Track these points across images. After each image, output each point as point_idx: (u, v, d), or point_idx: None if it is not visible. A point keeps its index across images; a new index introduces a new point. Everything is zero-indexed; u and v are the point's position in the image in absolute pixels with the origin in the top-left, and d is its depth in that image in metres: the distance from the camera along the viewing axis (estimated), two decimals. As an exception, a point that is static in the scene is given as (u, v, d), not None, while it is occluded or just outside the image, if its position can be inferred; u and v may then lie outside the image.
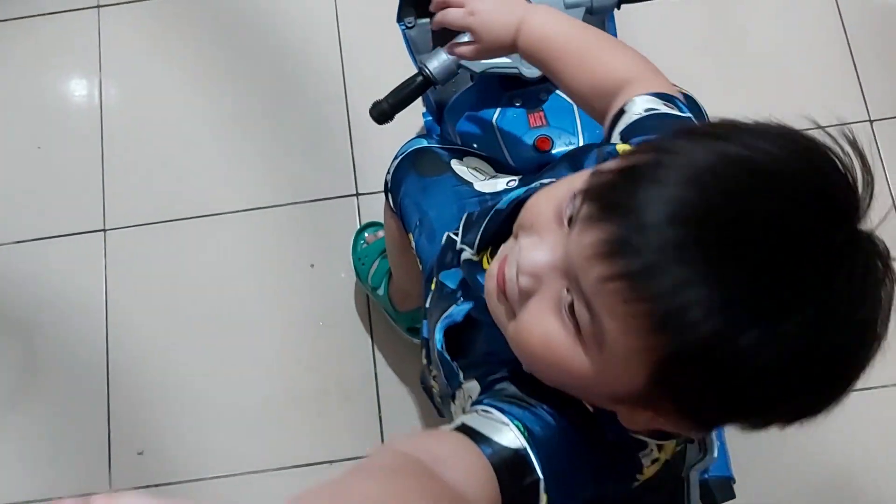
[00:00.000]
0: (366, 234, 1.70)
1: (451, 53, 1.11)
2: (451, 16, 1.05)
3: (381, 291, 1.62)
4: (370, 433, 1.64)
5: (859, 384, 0.62)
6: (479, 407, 0.71)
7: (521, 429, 0.68)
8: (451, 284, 0.91)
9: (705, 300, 0.57)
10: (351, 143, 1.83)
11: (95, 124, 1.87)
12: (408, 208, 1.19)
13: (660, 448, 0.75)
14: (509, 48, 1.02)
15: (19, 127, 1.88)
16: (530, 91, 1.30)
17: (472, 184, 1.10)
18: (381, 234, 1.68)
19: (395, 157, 1.29)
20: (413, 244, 1.15)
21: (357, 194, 1.79)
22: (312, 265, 1.75)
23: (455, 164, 1.18)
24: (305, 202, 1.80)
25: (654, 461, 0.75)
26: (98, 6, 1.95)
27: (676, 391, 0.62)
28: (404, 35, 1.38)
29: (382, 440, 1.64)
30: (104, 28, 1.93)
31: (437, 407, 1.03)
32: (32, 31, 1.94)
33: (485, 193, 1.10)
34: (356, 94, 1.86)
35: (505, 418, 0.69)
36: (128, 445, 1.66)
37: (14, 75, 1.92)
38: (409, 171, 1.23)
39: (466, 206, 1.06)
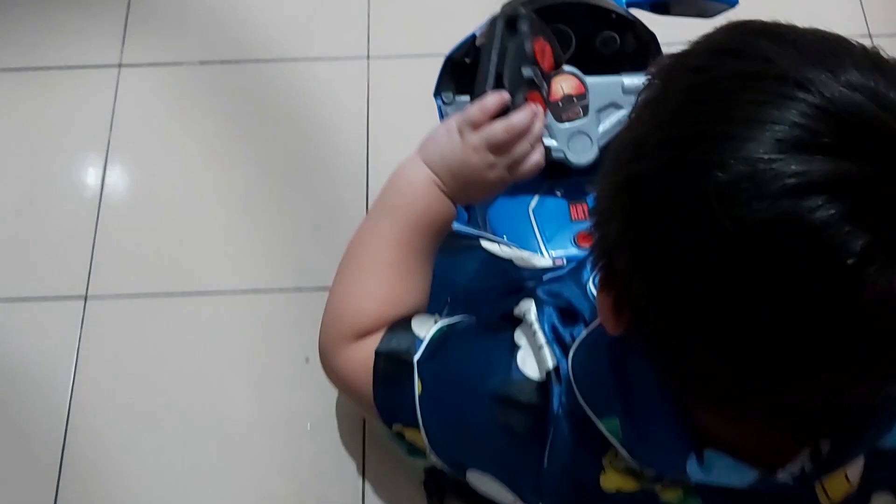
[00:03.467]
0: None
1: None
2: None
3: None
4: (349, 558, 1.43)
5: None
6: None
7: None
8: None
9: None
10: (366, 233, 1.68)
11: (96, 185, 1.74)
12: (431, 290, 1.03)
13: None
14: None
15: (15, 178, 1.75)
16: (574, 181, 1.16)
17: (510, 261, 0.94)
18: None
19: None
20: None
21: (366, 287, 1.63)
22: (307, 359, 1.57)
23: (485, 243, 1.03)
24: (309, 289, 1.64)
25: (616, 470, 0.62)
26: (120, 65, 1.85)
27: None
28: (440, 111, 1.27)
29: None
30: (122, 87, 1.83)
31: None
32: (47, 83, 1.84)
33: (537, 268, 0.94)
34: (378, 182, 1.72)
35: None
36: (70, 542, 1.44)
37: (19, 125, 1.81)
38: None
39: (509, 276, 0.90)
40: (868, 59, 0.48)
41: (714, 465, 0.57)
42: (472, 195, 0.85)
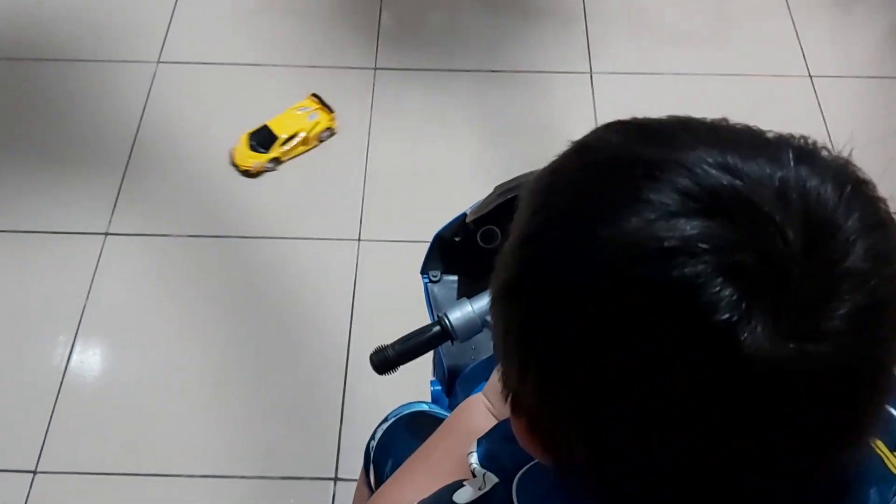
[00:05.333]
0: None
1: None
2: None
3: None
4: None
5: None
6: None
7: None
8: None
9: None
10: (341, 422, 1.59)
11: (63, 353, 1.66)
12: None
13: None
14: None
15: (-20, 340, 1.68)
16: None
17: None
18: None
19: (385, 421, 1.06)
20: None
21: (336, 479, 1.52)
22: (265, 558, 1.44)
23: None
24: (275, 478, 1.52)
25: None
26: (106, 233, 1.82)
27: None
28: (426, 288, 1.21)
29: None
30: (105, 255, 1.79)
31: None
32: (31, 247, 1.81)
33: None
34: (357, 370, 1.65)
35: None
36: None
37: (-5, 287, 1.76)
38: (404, 436, 1.00)
39: None
40: (715, 136, 0.47)
41: None
42: None
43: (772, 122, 0.49)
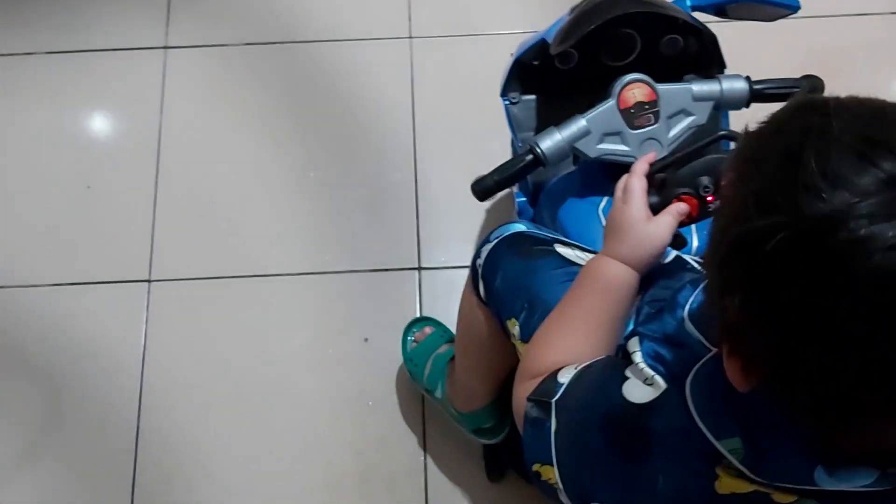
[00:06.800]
0: (414, 332, 1.59)
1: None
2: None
3: (438, 394, 1.51)
4: (414, 526, 1.52)
5: None
6: None
7: None
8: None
9: None
10: (417, 215, 1.74)
11: (151, 170, 1.78)
12: (508, 293, 1.09)
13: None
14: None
15: (70, 162, 1.79)
16: (644, 182, 1.21)
17: (580, 266, 1.01)
18: (428, 330, 1.59)
19: (488, 241, 1.19)
20: (516, 329, 1.05)
21: (419, 268, 1.69)
22: (366, 339, 1.64)
23: (559, 248, 1.09)
24: (364, 271, 1.70)
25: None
26: (166, 47, 1.88)
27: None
28: (507, 110, 1.31)
29: (425, 536, 1.52)
30: (169, 70, 1.86)
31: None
32: (95, 66, 1.87)
33: None
34: (425, 165, 1.78)
35: None
36: (151, 517, 1.53)
37: (71, 110, 1.84)
38: (508, 254, 1.13)
39: None
40: None
41: (839, 472, 0.65)
42: (639, 243, 0.94)
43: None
